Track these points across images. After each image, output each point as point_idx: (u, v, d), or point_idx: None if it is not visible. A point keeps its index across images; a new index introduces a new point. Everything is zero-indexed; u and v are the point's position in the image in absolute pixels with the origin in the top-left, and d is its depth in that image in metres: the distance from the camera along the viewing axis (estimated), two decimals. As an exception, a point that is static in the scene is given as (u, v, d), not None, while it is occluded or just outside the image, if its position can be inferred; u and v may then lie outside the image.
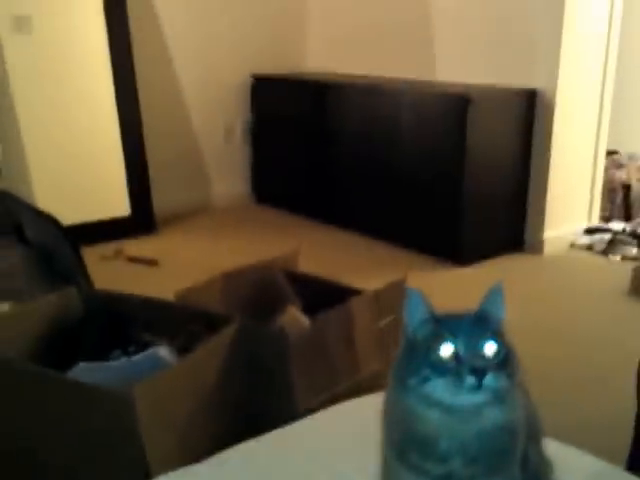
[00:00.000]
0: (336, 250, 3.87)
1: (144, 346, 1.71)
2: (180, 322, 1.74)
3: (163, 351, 1.63)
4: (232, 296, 2.09)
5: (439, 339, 0.81)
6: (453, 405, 0.79)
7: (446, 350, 0.80)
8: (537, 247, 3.80)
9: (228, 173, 4.81)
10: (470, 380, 0.78)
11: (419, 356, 0.82)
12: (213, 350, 1.61)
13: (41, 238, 2.25)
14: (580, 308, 3.20)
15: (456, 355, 0.79)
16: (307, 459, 1.19)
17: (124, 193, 4.08)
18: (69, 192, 3.79)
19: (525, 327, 2.89)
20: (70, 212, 3.67)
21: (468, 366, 0.78)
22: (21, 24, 3.78)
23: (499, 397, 0.80)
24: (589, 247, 3.87)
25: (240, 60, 4.68)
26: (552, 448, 1.19)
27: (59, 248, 2.16)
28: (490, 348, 0.80)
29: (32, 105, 3.84)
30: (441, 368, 0.79)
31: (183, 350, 1.65)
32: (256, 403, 1.72)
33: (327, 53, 4.90)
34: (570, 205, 3.91)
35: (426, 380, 0.80)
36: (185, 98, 4.53)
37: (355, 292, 2.05)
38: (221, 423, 1.62)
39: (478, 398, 0.79)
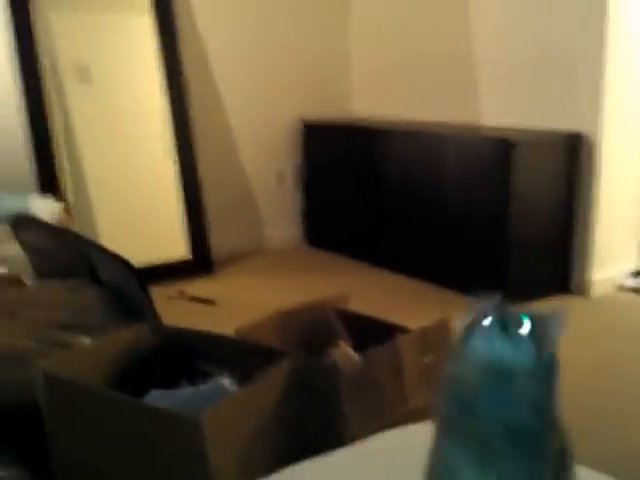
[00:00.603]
0: (384, 291, 3.97)
1: (208, 376, 1.86)
2: (240, 355, 1.89)
3: (226, 381, 1.79)
4: (287, 333, 2.23)
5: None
6: (498, 359, 0.90)
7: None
8: (584, 289, 3.82)
9: (280, 217, 4.94)
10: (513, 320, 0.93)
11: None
12: (271, 381, 1.75)
13: (113, 278, 2.43)
14: (628, 348, 3.22)
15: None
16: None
17: (183, 237, 4.24)
18: (131, 235, 3.96)
19: (575, 363, 2.94)
20: (134, 255, 3.87)
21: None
22: (82, 74, 3.99)
23: (539, 370, 0.90)
24: (637, 289, 3.87)
25: (289, 106, 4.82)
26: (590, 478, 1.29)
27: (129, 287, 2.34)
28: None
29: (95, 152, 4.04)
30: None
31: (243, 381, 1.79)
32: (309, 430, 1.84)
33: (372, 97, 5.01)
34: (617, 247, 3.92)
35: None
36: (237, 144, 4.67)
37: (402, 330, 2.18)
38: (277, 447, 1.75)
39: (521, 349, 0.89)
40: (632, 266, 4.02)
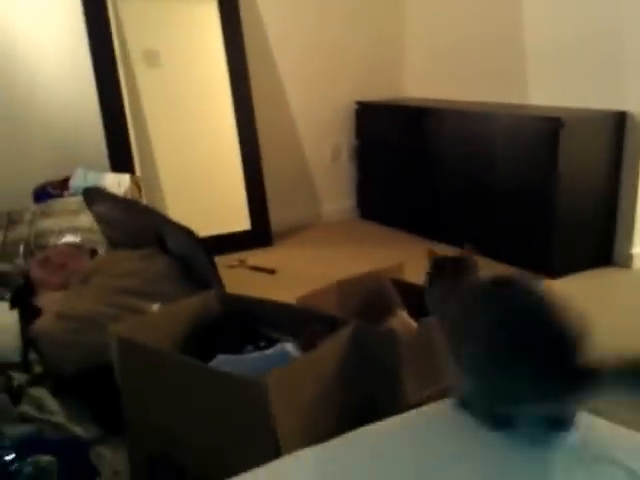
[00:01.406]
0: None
1: (273, 342, 1.82)
2: (303, 322, 1.84)
3: (289, 347, 1.74)
4: (346, 301, 2.18)
5: None
6: None
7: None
8: (626, 261, 3.74)
9: (336, 191, 4.92)
10: None
11: None
12: (332, 347, 1.70)
13: (180, 248, 2.40)
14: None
15: None
16: (414, 445, 1.25)
17: (245, 210, 4.23)
18: (197, 209, 3.95)
19: (617, 331, 2.89)
20: (198, 226, 3.87)
21: None
22: (151, 59, 3.99)
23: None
24: None
25: (345, 87, 4.78)
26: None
27: (196, 257, 2.31)
28: None
29: (163, 131, 4.05)
30: None
31: (306, 346, 1.75)
32: (369, 394, 1.79)
33: (424, 79, 4.94)
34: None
35: None
36: (296, 123, 4.66)
37: (456, 299, 2.11)
38: (339, 411, 1.71)
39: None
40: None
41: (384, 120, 4.71)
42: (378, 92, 4.90)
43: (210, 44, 4.16)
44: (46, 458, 1.70)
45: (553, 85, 4.02)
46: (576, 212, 3.63)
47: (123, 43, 3.92)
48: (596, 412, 1.38)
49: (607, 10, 3.64)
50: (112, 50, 3.85)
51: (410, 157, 4.46)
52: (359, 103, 4.81)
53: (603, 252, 3.79)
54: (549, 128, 3.50)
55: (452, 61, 4.67)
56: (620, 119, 3.62)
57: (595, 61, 3.74)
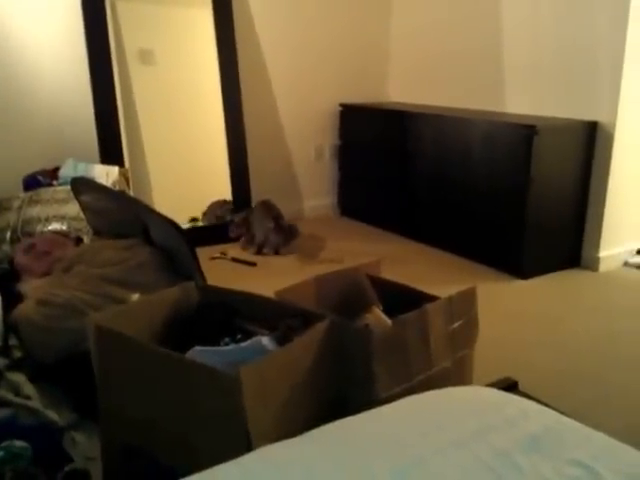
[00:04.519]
0: (411, 260, 3.86)
1: (249, 335, 1.75)
2: (280, 316, 1.77)
3: (265, 340, 1.67)
4: (323, 296, 2.11)
5: None
6: None
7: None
8: (593, 264, 3.70)
9: (317, 189, 4.87)
10: None
11: None
12: (308, 342, 1.63)
13: (163, 239, 2.32)
14: (631, 320, 3.10)
15: None
16: (385, 440, 1.19)
17: (229, 204, 4.17)
18: (183, 201, 3.90)
19: (583, 332, 2.90)
20: (184, 219, 3.80)
21: None
22: (146, 57, 3.93)
23: None
24: None
25: (331, 91, 4.74)
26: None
27: (178, 248, 2.23)
28: None
29: (154, 127, 3.99)
30: None
31: (282, 340, 1.68)
32: (342, 390, 1.73)
33: (407, 87, 4.89)
34: (624, 227, 3.79)
35: None
36: (283, 123, 4.61)
37: (430, 298, 2.04)
38: (312, 405, 1.65)
39: None
40: (636, 245, 3.90)
41: (366, 122, 4.66)
42: (362, 97, 4.86)
43: (203, 46, 4.12)
44: (20, 443, 1.62)
45: (529, 94, 3.99)
46: (547, 216, 3.58)
47: (119, 41, 3.84)
48: (565, 413, 1.33)
49: (582, 26, 3.61)
50: (108, 47, 3.77)
51: (390, 159, 4.41)
52: (343, 105, 4.76)
53: (572, 255, 3.76)
54: (524, 135, 3.45)
55: (434, 70, 4.63)
56: (591, 128, 3.59)
57: (569, 73, 3.71)
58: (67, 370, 1.96)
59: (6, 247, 2.92)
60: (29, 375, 1.97)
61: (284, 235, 3.90)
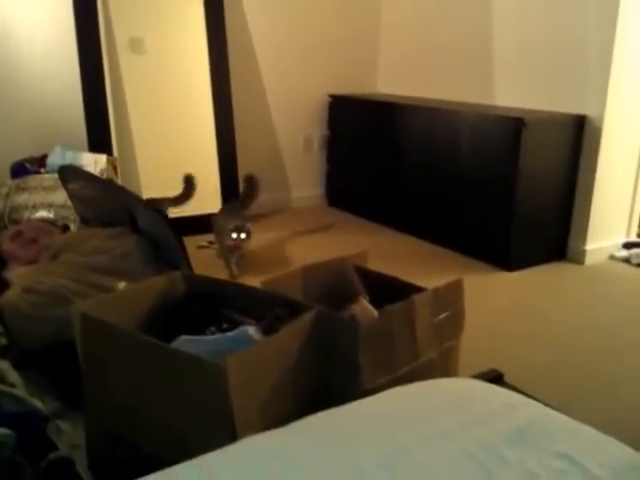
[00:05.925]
0: (398, 251, 3.85)
1: (235, 324, 1.74)
2: (266, 306, 1.76)
3: (252, 330, 1.66)
4: (310, 287, 2.10)
5: None
6: None
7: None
8: (579, 257, 3.71)
9: (306, 179, 4.85)
10: None
11: None
12: (294, 332, 1.63)
13: (151, 228, 2.30)
14: (617, 311, 3.11)
15: None
16: (371, 431, 1.18)
17: (218, 193, 4.15)
18: (171, 190, 3.86)
19: (569, 324, 2.90)
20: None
21: None
22: (136, 46, 3.88)
23: None
24: (626, 260, 3.77)
25: (320, 81, 4.71)
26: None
27: (165, 237, 2.21)
28: None
29: (143, 115, 3.94)
30: None
31: (268, 330, 1.67)
32: (328, 380, 1.72)
33: (396, 78, 4.87)
34: (611, 221, 3.81)
35: None
36: (272, 113, 4.59)
37: (417, 289, 2.03)
38: (297, 396, 1.64)
39: None
40: (623, 239, 3.92)
41: (355, 113, 4.63)
42: (351, 88, 4.84)
43: (194, 35, 4.07)
44: (3, 431, 1.60)
45: (518, 87, 3.98)
46: (534, 208, 3.59)
47: (109, 29, 3.79)
48: (550, 405, 1.33)
49: (571, 19, 3.61)
50: (98, 35, 3.72)
51: (378, 150, 4.39)
52: (332, 96, 4.73)
53: (558, 247, 3.76)
54: (512, 127, 3.45)
55: (423, 62, 4.61)
56: (579, 122, 3.59)
57: (558, 67, 3.71)
58: (52, 358, 1.94)
59: (-7, 234, 2.88)
60: (14, 362, 1.94)
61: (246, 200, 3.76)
